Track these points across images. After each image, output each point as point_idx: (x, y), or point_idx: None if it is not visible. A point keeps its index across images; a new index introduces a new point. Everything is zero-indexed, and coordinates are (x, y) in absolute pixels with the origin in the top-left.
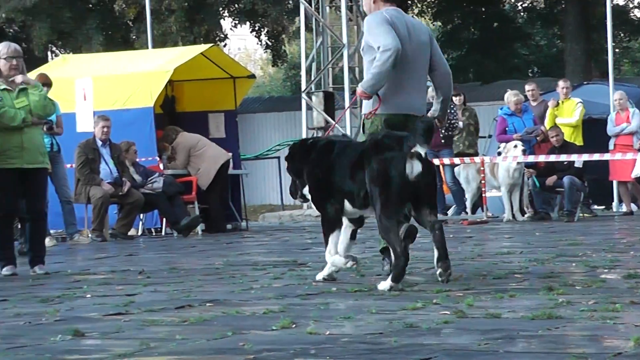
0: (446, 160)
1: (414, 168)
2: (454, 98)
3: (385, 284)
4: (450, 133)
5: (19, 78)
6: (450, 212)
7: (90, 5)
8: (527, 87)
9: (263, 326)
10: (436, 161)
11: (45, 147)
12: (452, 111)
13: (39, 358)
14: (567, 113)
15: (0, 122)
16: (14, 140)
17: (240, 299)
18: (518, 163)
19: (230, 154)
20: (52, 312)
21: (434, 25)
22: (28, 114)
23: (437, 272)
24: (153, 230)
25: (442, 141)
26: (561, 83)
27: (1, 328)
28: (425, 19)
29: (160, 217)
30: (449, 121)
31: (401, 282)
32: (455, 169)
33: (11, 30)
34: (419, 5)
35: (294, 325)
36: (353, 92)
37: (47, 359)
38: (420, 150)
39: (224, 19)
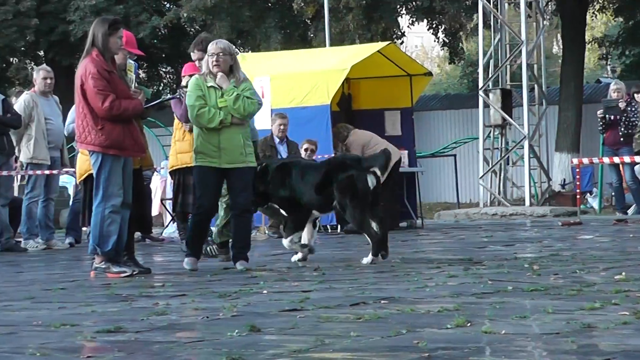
0: (626, 159)
1: (371, 182)
2: (635, 95)
3: (367, 259)
4: (630, 131)
5: (217, 77)
6: (630, 211)
7: (270, 4)
8: None
9: (438, 324)
10: (616, 159)
11: (244, 147)
12: (634, 109)
13: (216, 352)
14: None
15: (199, 122)
16: (212, 140)
17: (415, 296)
18: None
19: (406, 151)
20: (229, 307)
21: (615, 21)
22: (228, 115)
23: (380, 256)
24: (329, 227)
25: (622, 139)
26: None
27: (180, 323)
28: (606, 15)
29: (335, 214)
30: (628, 119)
31: (378, 255)
32: (636, 167)
33: (192, 29)
34: (600, 2)
35: (469, 324)
36: (531, 90)
37: (224, 353)
38: (377, 171)
39: (402, 17)
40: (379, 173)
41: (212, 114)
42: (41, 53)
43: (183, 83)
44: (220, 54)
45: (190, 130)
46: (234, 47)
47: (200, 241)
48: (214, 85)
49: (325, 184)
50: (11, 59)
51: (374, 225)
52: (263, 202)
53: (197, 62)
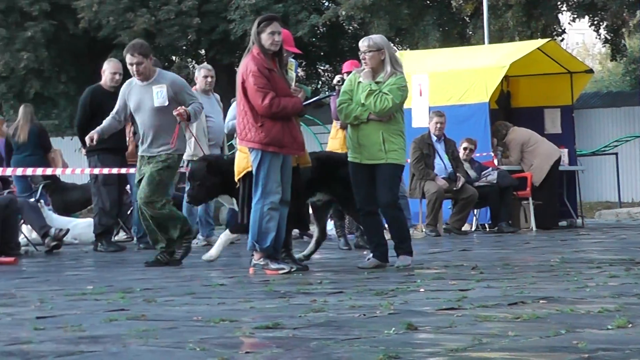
0: None
1: None
2: None
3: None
4: None
5: (364, 72)
6: None
7: (428, 2)
8: None
9: (598, 325)
10: None
11: (383, 143)
12: None
13: (373, 350)
14: None
15: (340, 117)
16: (353, 136)
17: (574, 296)
18: None
19: (566, 150)
20: (386, 305)
21: None
22: (365, 111)
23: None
24: (487, 225)
25: None
26: None
27: (338, 319)
28: None
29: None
30: None
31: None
32: None
33: (351, 27)
34: None
35: (630, 325)
36: None
37: (381, 351)
38: None
39: (562, 13)
40: None
41: (349, 110)
42: (202, 52)
43: (335, 80)
44: (367, 51)
45: (342, 128)
46: (384, 40)
47: (374, 239)
48: (362, 80)
49: (320, 175)
50: (173, 58)
51: None
52: (214, 194)
53: (129, 67)
